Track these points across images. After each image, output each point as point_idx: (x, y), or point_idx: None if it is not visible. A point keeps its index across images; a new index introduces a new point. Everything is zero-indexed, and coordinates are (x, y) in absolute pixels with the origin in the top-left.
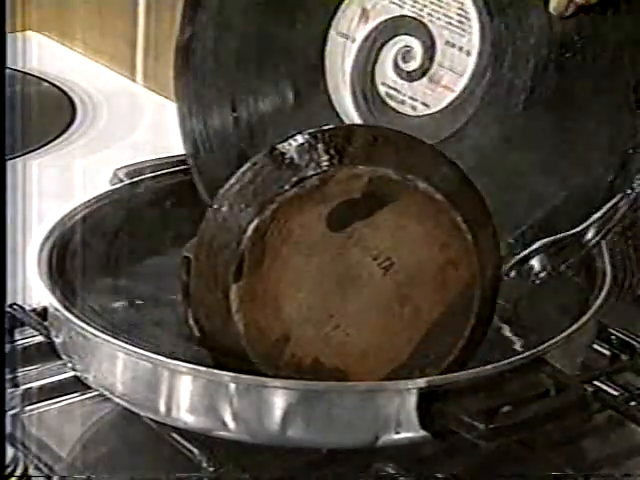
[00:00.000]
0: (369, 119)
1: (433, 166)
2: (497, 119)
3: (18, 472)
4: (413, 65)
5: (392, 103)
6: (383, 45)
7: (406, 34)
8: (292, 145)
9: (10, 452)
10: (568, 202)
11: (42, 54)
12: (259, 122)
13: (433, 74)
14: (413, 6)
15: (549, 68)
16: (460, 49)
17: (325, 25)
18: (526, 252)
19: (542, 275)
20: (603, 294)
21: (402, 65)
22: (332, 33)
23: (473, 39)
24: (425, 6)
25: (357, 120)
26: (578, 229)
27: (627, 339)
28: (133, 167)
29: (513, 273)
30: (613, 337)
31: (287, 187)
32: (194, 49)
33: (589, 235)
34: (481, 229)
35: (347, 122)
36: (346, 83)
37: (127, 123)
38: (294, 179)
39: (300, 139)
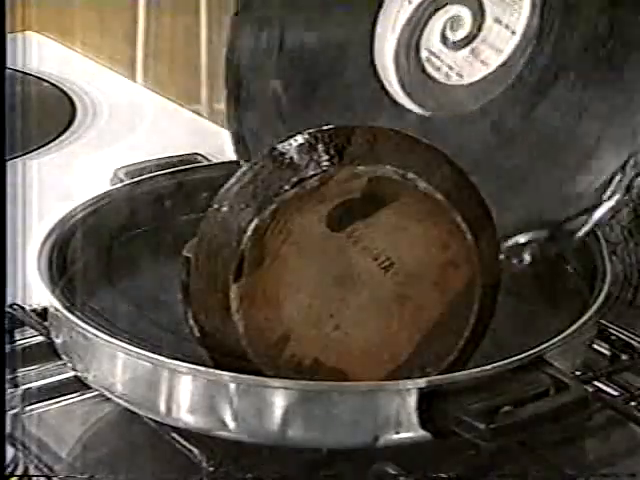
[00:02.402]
0: (404, 77)
1: (433, 166)
2: (523, 100)
3: (18, 472)
4: (459, 35)
5: (429, 68)
6: (436, 10)
7: (459, 3)
8: (292, 145)
9: (10, 452)
10: (579, 198)
11: (42, 54)
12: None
13: (475, 47)
14: None
15: (586, 58)
16: (507, 27)
17: None
18: (519, 237)
19: (528, 258)
20: (603, 294)
21: (449, 34)
22: None
23: (521, 19)
24: None
25: (392, 74)
26: (570, 218)
27: (627, 339)
28: (133, 167)
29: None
30: (613, 337)
31: (287, 187)
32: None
33: (581, 225)
34: (481, 229)
35: (383, 76)
36: (393, 38)
37: (127, 123)
38: (294, 179)
39: (300, 139)
